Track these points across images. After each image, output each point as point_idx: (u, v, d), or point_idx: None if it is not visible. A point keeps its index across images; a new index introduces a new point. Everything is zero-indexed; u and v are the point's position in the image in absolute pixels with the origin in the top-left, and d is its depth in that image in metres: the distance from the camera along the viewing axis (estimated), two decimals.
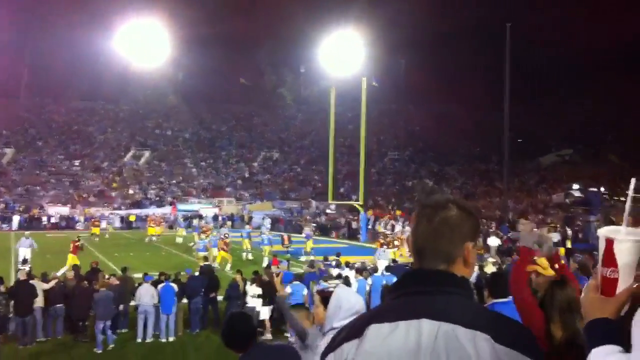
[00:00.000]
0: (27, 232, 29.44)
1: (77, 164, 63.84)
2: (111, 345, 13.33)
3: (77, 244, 24.37)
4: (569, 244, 19.95)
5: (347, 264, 17.90)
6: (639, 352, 1.48)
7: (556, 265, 4.41)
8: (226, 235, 27.21)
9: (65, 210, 52.24)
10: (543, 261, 5.06)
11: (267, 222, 35.39)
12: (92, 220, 42.05)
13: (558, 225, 27.68)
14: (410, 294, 1.70)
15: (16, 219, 48.24)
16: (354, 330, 1.71)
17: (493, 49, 42.46)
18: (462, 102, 71.71)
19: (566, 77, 60.33)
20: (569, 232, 21.14)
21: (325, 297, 4.24)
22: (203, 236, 28.68)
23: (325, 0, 73.86)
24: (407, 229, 37.26)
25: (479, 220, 1.84)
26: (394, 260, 20.19)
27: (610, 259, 1.66)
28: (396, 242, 26.37)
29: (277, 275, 12.81)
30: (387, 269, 16.52)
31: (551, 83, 62.85)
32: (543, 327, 3.72)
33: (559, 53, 61.19)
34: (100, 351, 13.03)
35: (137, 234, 43.64)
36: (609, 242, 1.67)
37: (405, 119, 68.84)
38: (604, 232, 1.71)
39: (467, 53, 69.34)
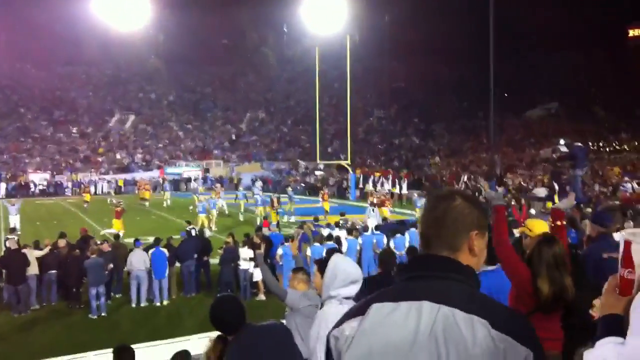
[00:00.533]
0: (13, 200, 29.40)
1: (62, 130, 63.16)
2: (104, 312, 13.45)
3: (118, 209, 24.44)
4: (556, 199, 20.18)
5: (337, 224, 18.05)
6: (635, 337, 1.55)
7: (558, 223, 4.52)
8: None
9: (45, 176, 51.88)
10: (532, 223, 5.20)
11: (259, 184, 35.33)
12: (83, 186, 41.62)
13: (545, 180, 27.94)
14: (415, 278, 1.76)
15: (2, 186, 47.99)
16: (358, 309, 1.76)
17: (477, 3, 41.97)
18: (447, 58, 71.27)
19: (550, 30, 60.01)
20: (556, 187, 21.38)
21: (322, 265, 4.32)
22: (214, 196, 29.95)
23: None
24: (397, 187, 37.62)
25: (485, 211, 1.89)
26: (384, 219, 20.36)
27: (628, 260, 1.72)
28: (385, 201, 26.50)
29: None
30: (377, 227, 16.70)
31: (536, 36, 62.50)
32: (529, 282, 3.82)
33: (543, 5, 60.68)
34: (95, 317, 13.18)
35: (128, 199, 43.44)
36: (627, 244, 1.72)
37: (390, 75, 68.32)
38: (624, 234, 1.77)
39: (451, 7, 68.63)
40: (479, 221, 1.83)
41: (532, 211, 20.04)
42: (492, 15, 32.57)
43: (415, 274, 1.77)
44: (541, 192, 22.15)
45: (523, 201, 19.51)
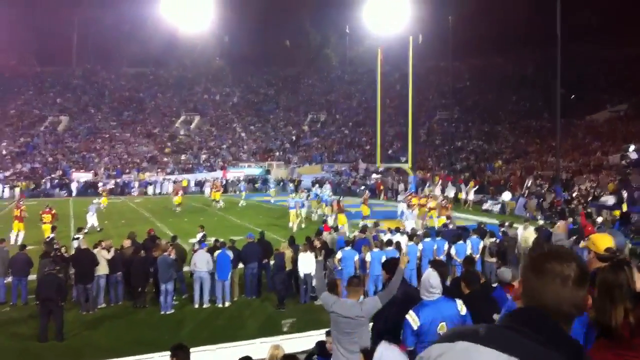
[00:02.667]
0: (95, 200, 30.99)
1: (129, 130, 65.18)
2: (170, 310, 13.82)
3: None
4: (624, 207, 19.46)
5: (398, 229, 17.91)
6: None
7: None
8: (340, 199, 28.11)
9: (88, 176, 53.41)
10: (596, 238, 4.95)
11: (327, 188, 35.38)
12: (175, 189, 41.36)
13: (613, 187, 26.94)
14: (516, 330, 1.70)
15: (74, 185, 49.79)
16: (449, 336, 1.75)
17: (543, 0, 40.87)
18: (511, 58, 69.81)
19: (620, 26, 57.76)
20: (625, 194, 20.58)
21: (369, 356, 4.46)
22: (302, 194, 31.15)
23: None
24: (462, 192, 36.98)
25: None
26: (444, 225, 20.08)
27: None
28: (430, 204, 25.84)
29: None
30: (438, 233, 16.51)
31: (604, 34, 60.29)
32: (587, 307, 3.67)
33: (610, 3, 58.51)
34: (164, 312, 13.62)
35: (196, 199, 44.69)
36: None
37: (453, 76, 67.41)
38: None
39: (515, 5, 67.15)
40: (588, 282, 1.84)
41: (599, 219, 19.43)
42: (559, 13, 31.70)
43: (520, 328, 1.70)
44: (609, 200, 21.41)
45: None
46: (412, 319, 5.30)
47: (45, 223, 24.69)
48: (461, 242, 15.35)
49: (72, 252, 15.80)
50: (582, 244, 5.36)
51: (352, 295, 6.39)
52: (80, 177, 52.34)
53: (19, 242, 21.79)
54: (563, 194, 29.82)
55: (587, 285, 1.81)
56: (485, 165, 49.03)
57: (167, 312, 13.71)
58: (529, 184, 34.67)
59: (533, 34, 61.03)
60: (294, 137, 67.34)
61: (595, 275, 3.82)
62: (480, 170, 47.58)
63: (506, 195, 33.43)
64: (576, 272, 1.77)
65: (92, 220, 27.42)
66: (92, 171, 54.98)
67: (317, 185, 39.33)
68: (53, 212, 25.84)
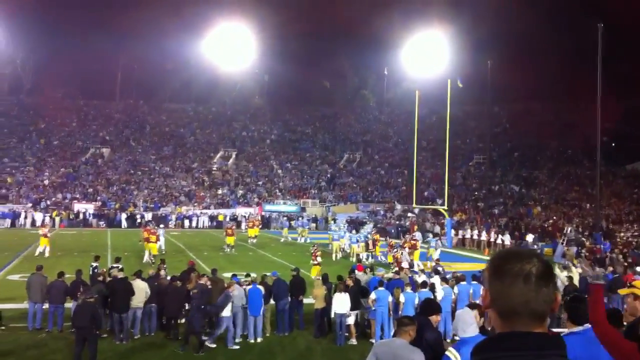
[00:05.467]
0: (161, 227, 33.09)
1: (168, 164, 66.31)
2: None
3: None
4: None
5: (437, 271, 17.65)
6: None
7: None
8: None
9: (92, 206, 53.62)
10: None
11: (369, 227, 35.42)
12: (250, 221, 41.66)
13: None
14: (510, 358, 1.69)
15: (124, 216, 50.67)
16: None
17: (583, 46, 40.79)
18: (551, 104, 69.34)
19: None
20: None
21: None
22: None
23: (408, 1, 73.34)
24: (494, 236, 36.45)
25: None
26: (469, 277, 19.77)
27: None
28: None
29: None
30: (474, 277, 16.28)
31: None
32: (636, 356, 3.62)
33: None
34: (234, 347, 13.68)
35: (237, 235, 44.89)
36: None
37: (491, 120, 67.20)
38: None
39: (556, 51, 67.10)
40: (555, 280, 1.79)
41: (639, 269, 18.95)
42: (600, 60, 31.55)
43: (513, 354, 1.69)
44: None
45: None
46: (454, 355, 5.21)
47: (151, 242, 27.48)
48: None
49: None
50: (623, 290, 5.27)
51: (402, 336, 6.12)
52: (87, 207, 52.69)
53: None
54: (603, 242, 29.20)
55: (553, 281, 1.76)
56: (525, 211, 48.36)
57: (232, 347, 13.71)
58: (568, 231, 34.06)
59: (574, 81, 60.74)
60: (329, 176, 67.59)
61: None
62: (519, 216, 46.94)
63: (530, 238, 32.95)
64: (538, 267, 1.73)
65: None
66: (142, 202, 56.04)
67: (370, 224, 39.39)
68: (157, 233, 28.78)
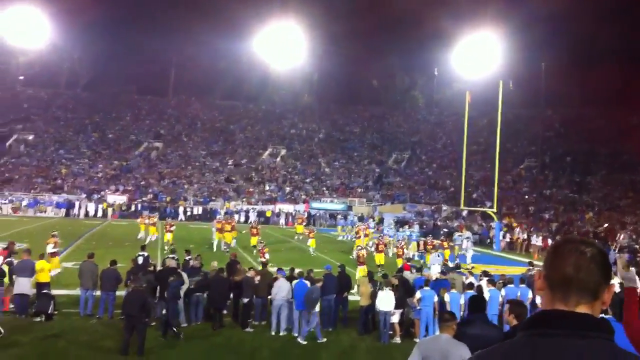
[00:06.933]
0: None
1: (218, 159, 67.25)
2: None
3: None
4: None
5: (486, 273, 17.38)
6: None
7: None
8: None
9: (123, 198, 54.45)
10: None
11: (416, 228, 35.65)
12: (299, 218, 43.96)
13: None
14: (551, 335, 1.68)
15: (181, 210, 51.80)
16: (489, 354, 1.76)
17: (637, 50, 39.58)
18: (604, 107, 67.40)
19: None
20: None
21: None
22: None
23: (460, 2, 72.42)
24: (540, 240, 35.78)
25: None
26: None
27: None
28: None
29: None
30: (522, 280, 16.01)
31: None
32: None
33: None
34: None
35: (279, 230, 46.30)
36: None
37: (543, 123, 65.77)
38: None
39: (609, 54, 65.18)
40: (610, 272, 1.79)
41: None
42: None
43: (553, 331, 1.68)
44: None
45: None
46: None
47: (227, 232, 30.10)
48: None
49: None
50: None
51: (445, 331, 6.16)
52: (116, 199, 53.81)
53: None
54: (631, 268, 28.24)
55: (607, 268, 1.76)
56: (577, 216, 47.22)
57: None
58: (621, 238, 33.12)
59: (629, 87, 59.07)
60: (377, 175, 67.37)
61: None
62: (571, 221, 45.86)
63: None
64: (594, 250, 1.75)
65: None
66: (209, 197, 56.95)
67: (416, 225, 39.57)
68: (233, 223, 31.77)
